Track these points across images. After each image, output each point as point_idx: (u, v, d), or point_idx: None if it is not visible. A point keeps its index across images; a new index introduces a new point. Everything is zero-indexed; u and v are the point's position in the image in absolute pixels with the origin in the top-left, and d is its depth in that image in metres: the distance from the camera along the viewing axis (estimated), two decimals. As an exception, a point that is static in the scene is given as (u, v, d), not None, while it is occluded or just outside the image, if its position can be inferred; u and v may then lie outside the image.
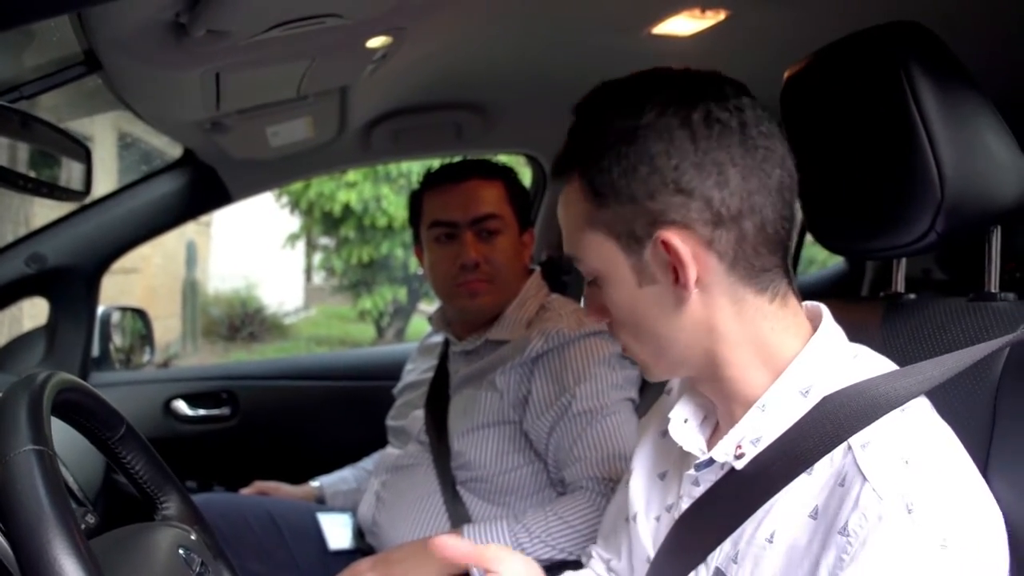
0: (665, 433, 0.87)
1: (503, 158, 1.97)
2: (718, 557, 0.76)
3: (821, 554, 0.67)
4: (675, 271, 0.73)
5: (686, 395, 0.85)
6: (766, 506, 0.73)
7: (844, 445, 0.69)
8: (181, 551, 0.71)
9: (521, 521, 1.30)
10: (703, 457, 0.78)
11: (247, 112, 1.29)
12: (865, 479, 0.66)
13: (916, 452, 0.67)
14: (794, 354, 0.75)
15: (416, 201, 1.54)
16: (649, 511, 0.89)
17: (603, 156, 0.74)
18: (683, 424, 0.83)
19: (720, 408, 0.80)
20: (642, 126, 0.72)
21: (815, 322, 0.78)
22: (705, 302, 0.74)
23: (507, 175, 1.51)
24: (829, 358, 0.75)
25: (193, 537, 0.78)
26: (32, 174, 1.10)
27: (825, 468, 0.70)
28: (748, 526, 0.74)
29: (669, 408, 0.86)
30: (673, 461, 0.87)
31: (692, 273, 0.72)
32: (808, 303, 0.81)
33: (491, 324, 1.49)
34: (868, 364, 0.76)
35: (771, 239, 0.74)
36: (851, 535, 0.65)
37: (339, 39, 0.97)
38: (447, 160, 1.57)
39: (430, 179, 1.52)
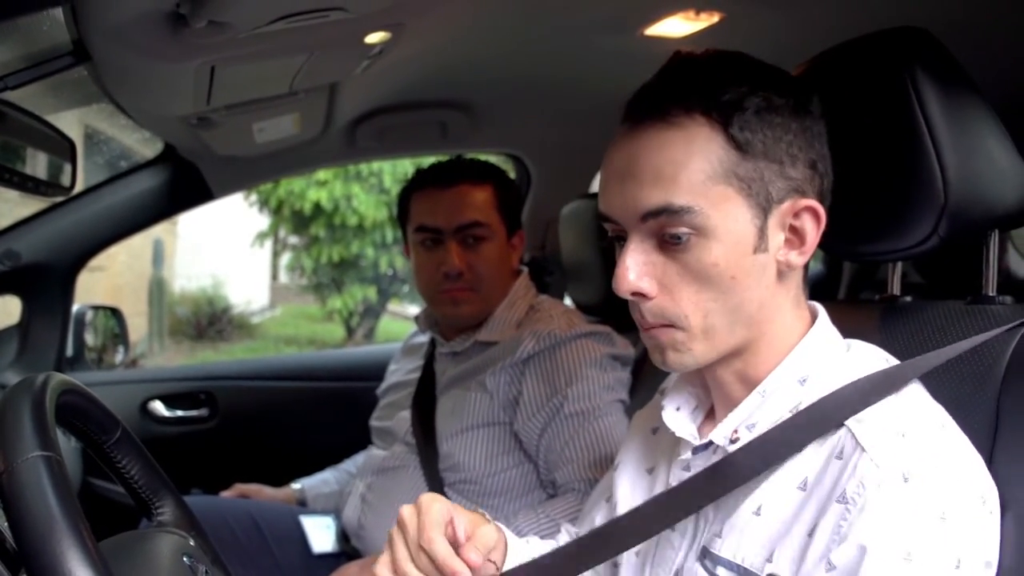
0: (655, 430, 0.88)
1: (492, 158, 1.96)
2: (704, 535, 0.77)
3: (818, 521, 0.68)
4: (792, 242, 0.75)
5: (677, 385, 0.86)
6: (753, 481, 0.74)
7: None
8: (185, 559, 0.69)
9: (513, 523, 1.29)
10: (698, 442, 0.80)
11: (235, 107, 1.26)
12: (863, 450, 0.68)
13: (911, 426, 0.69)
14: (795, 343, 0.77)
15: (404, 200, 1.52)
16: (635, 504, 0.89)
17: (747, 106, 0.71)
18: (675, 412, 0.84)
19: (719, 392, 0.81)
20: (781, 93, 0.73)
21: (812, 318, 0.80)
22: (787, 280, 0.76)
23: (498, 177, 1.49)
24: (826, 349, 0.77)
25: (192, 543, 0.76)
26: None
27: (815, 444, 0.72)
28: (733, 501, 0.75)
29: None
30: (662, 456, 0.88)
31: (814, 245, 0.74)
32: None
33: (480, 325, 1.48)
34: (861, 355, 0.78)
35: None
36: (850, 501, 0.66)
37: (339, 33, 0.95)
38: (437, 159, 1.55)
39: (419, 179, 1.50)
